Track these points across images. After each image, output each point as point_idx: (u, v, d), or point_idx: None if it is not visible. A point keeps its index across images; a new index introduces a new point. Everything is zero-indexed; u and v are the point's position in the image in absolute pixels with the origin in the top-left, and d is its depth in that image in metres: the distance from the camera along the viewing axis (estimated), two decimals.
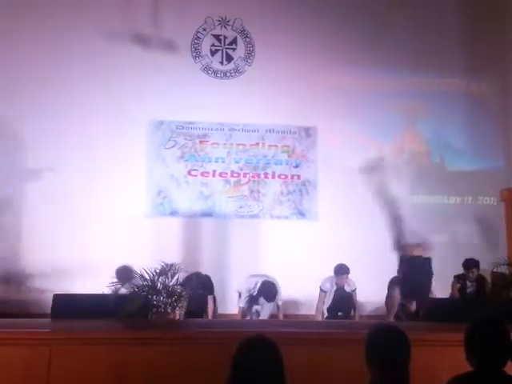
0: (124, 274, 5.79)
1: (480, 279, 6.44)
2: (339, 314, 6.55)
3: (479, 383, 2.39)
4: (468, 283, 6.43)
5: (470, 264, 6.41)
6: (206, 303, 6.36)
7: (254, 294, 6.38)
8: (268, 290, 6.29)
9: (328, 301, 6.58)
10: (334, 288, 6.57)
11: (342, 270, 6.48)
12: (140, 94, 7.57)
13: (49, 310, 4.67)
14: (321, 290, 6.61)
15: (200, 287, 6.12)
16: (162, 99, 7.63)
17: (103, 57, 7.61)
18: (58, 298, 4.71)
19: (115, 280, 5.36)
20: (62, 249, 6.99)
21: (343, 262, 6.48)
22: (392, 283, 6.45)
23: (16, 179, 7.35)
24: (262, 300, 6.37)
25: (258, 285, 6.37)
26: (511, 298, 5.41)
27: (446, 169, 8.28)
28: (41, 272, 7.06)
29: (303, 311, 7.12)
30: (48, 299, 4.87)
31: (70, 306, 4.51)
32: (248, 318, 6.41)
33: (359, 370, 2.49)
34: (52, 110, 7.46)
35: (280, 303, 6.55)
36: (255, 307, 6.41)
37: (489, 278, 6.64)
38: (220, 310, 6.64)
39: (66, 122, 7.45)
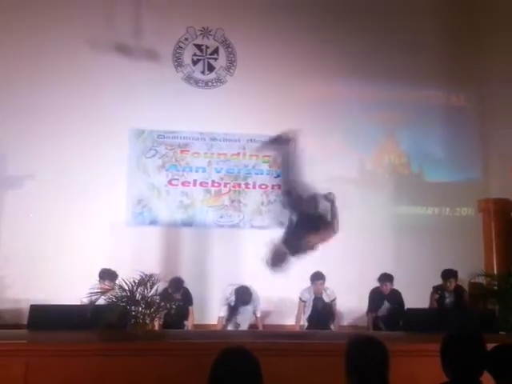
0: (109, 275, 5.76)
1: (458, 289, 6.48)
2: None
3: None
4: (446, 294, 6.47)
5: (448, 274, 6.45)
6: (186, 314, 6.35)
7: (232, 303, 6.36)
8: (242, 293, 6.29)
9: (308, 310, 6.59)
10: (313, 297, 6.60)
11: (317, 276, 6.54)
12: (121, 103, 7.53)
13: (25, 321, 4.61)
14: (300, 299, 6.63)
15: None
16: (143, 108, 7.61)
17: (85, 66, 7.56)
18: (35, 309, 4.65)
19: (96, 286, 5.31)
20: (40, 258, 6.92)
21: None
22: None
23: None
24: (241, 308, 6.35)
25: (233, 292, 6.38)
26: (488, 308, 5.47)
27: (425, 180, 8.36)
28: (17, 282, 6.98)
29: (283, 322, 7.10)
30: (24, 310, 4.81)
31: (46, 317, 4.46)
32: (229, 327, 6.38)
33: (337, 381, 2.49)
34: (32, 117, 7.40)
35: (259, 314, 6.54)
36: (236, 317, 6.39)
37: (466, 289, 6.71)
38: (200, 321, 6.60)
39: (46, 129, 7.40)
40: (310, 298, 6.64)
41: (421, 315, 5.44)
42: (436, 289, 6.54)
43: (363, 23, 8.21)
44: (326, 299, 6.60)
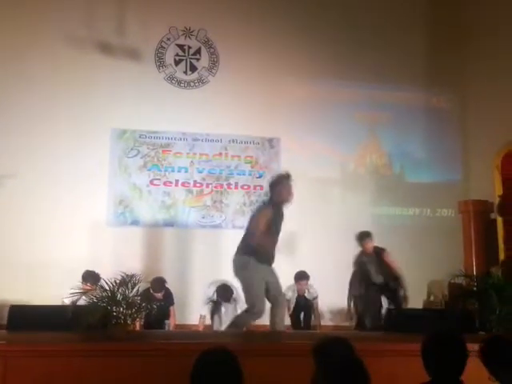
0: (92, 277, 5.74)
1: (376, 249, 6.53)
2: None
3: None
4: (365, 258, 6.51)
5: (362, 236, 6.53)
6: (168, 314, 6.33)
7: (214, 299, 6.37)
8: (223, 290, 6.28)
9: (290, 308, 6.63)
10: (296, 295, 6.64)
11: (301, 276, 6.64)
12: (103, 103, 7.50)
13: (5, 322, 4.55)
14: None
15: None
16: (125, 108, 7.58)
17: (67, 64, 7.52)
18: (15, 310, 4.60)
19: (78, 287, 5.28)
20: (21, 258, 6.83)
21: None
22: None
23: None
24: (223, 305, 6.35)
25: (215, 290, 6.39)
26: (467, 308, 5.52)
27: (405, 180, 8.44)
28: None
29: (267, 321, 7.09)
30: (4, 310, 4.75)
31: (27, 318, 4.41)
32: (212, 324, 6.36)
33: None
34: (13, 117, 7.33)
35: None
36: (219, 315, 6.38)
37: (446, 290, 6.77)
38: (181, 320, 6.59)
39: (27, 129, 7.34)
40: (292, 296, 6.69)
41: (401, 315, 5.48)
42: (357, 257, 6.59)
43: (344, 24, 8.27)
44: (308, 296, 6.73)
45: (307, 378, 3.33)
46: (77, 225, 7.18)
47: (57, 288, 5.52)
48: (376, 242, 7.02)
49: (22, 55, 7.45)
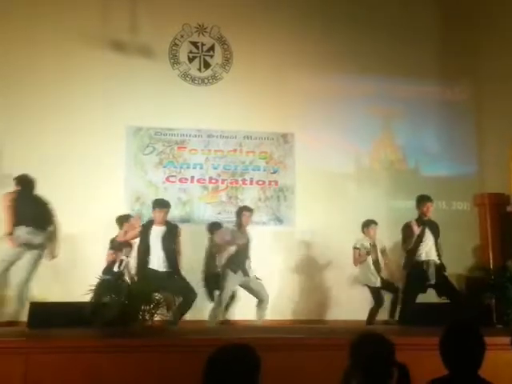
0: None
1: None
2: None
3: None
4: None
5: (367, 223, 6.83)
6: None
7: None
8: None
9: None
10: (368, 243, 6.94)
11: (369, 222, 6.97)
12: (118, 100, 7.54)
13: (25, 319, 4.62)
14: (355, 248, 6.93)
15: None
16: (140, 106, 7.62)
17: (80, 62, 7.56)
18: (35, 307, 4.67)
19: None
20: None
21: None
22: None
23: None
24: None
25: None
26: (485, 301, 5.50)
27: (421, 174, 8.39)
28: (17, 280, 6.98)
29: (279, 316, 7.10)
30: (25, 308, 4.82)
31: (46, 315, 4.48)
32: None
33: (335, 376, 2.51)
34: (28, 115, 7.39)
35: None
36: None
37: (463, 284, 6.73)
38: (197, 316, 6.60)
39: (42, 127, 7.39)
40: (365, 245, 6.89)
41: (417, 309, 5.47)
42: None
43: (358, 18, 8.22)
44: (379, 245, 6.92)
45: (327, 372, 3.35)
46: (94, 223, 7.22)
47: (75, 285, 5.58)
48: (392, 236, 7.03)
49: (36, 53, 7.51)
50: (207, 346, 2.87)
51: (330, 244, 7.47)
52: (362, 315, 6.84)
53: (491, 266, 7.05)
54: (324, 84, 8.20)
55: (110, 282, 5.56)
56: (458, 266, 6.56)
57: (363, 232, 6.91)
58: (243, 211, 6.67)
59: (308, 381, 3.59)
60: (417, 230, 6.29)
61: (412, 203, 7.95)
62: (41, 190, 7.15)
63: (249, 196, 7.91)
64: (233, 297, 6.69)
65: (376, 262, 6.82)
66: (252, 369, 2.21)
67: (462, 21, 8.50)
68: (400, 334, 4.39)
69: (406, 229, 6.41)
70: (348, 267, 7.11)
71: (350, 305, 7.18)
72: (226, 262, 6.42)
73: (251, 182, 7.97)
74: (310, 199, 7.80)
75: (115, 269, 6.04)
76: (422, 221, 6.39)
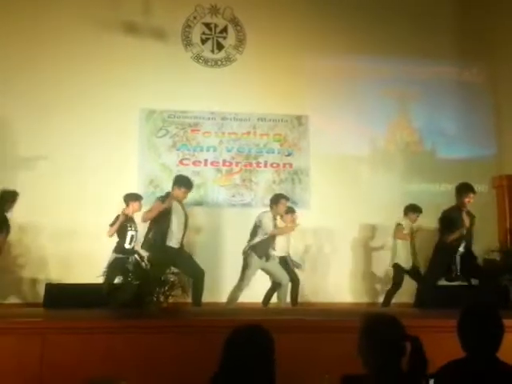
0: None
1: None
2: None
3: (473, 368, 2.40)
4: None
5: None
6: None
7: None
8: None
9: None
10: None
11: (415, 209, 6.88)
12: (131, 83, 7.51)
13: (41, 300, 4.65)
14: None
15: None
16: (153, 88, 7.58)
17: (93, 45, 7.55)
18: (51, 288, 4.70)
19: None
20: (53, 238, 6.97)
21: None
22: None
23: (8, 167, 7.28)
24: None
25: None
26: (503, 284, 5.45)
27: (437, 156, 8.30)
28: (33, 261, 7.04)
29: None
30: (41, 289, 4.85)
31: (62, 296, 4.51)
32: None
33: (350, 357, 2.49)
34: (42, 98, 7.41)
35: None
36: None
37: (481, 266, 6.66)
38: (212, 298, 6.61)
39: (56, 110, 7.41)
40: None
41: (434, 292, 5.43)
42: None
43: (378, 1, 8.10)
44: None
45: (339, 354, 3.33)
46: (108, 205, 7.23)
47: (90, 267, 5.59)
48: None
49: (47, 37, 7.50)
50: (222, 327, 2.86)
51: (345, 226, 7.43)
52: (371, 298, 6.86)
53: (509, 248, 6.98)
54: (339, 65, 8.10)
55: (124, 261, 5.61)
56: (476, 248, 6.47)
57: (405, 215, 6.83)
58: (280, 199, 6.47)
59: (322, 362, 3.56)
60: (467, 221, 5.88)
61: (427, 186, 7.93)
62: (55, 174, 7.21)
63: (263, 179, 7.87)
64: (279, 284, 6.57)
65: (413, 247, 6.78)
66: (266, 350, 2.20)
67: (479, 2, 8.35)
68: (418, 316, 4.35)
69: (452, 219, 5.89)
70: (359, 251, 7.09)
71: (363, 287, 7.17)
72: (255, 245, 6.29)
73: (265, 165, 7.93)
74: (325, 181, 7.75)
75: (126, 245, 6.05)
76: (467, 212, 5.99)
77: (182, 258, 5.86)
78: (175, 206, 5.99)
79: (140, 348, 3.58)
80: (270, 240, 6.35)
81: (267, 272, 6.44)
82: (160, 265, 4.27)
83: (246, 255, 6.30)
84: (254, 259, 6.22)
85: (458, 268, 5.79)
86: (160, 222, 5.89)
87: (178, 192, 6.02)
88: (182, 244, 6.05)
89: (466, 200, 5.90)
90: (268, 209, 6.42)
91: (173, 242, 5.91)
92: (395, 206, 7.23)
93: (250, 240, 6.36)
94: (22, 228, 7.05)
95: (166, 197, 5.99)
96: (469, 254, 5.88)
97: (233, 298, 6.29)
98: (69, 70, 7.49)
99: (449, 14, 8.37)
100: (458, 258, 5.83)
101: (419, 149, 8.31)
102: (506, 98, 8.23)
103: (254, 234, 6.34)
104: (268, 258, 6.32)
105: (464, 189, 5.96)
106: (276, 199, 6.45)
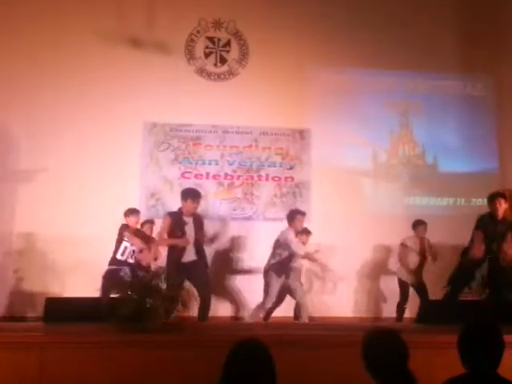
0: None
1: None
2: None
3: None
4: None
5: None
6: None
7: None
8: None
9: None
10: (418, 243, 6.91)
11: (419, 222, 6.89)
12: (134, 96, 7.54)
13: (41, 314, 4.63)
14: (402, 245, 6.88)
15: None
16: (155, 101, 7.61)
17: (97, 58, 7.59)
18: (51, 302, 4.67)
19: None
20: (54, 251, 6.95)
21: None
22: None
23: (8, 180, 7.29)
24: None
25: None
26: (508, 298, 5.42)
27: (439, 170, 8.29)
28: (33, 275, 7.02)
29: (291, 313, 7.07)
30: (40, 302, 4.83)
31: (62, 310, 4.48)
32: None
33: (351, 373, 2.48)
34: (45, 110, 7.44)
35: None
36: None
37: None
38: (214, 313, 6.58)
39: (58, 123, 7.43)
40: (413, 243, 6.83)
41: (436, 307, 5.40)
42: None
43: (378, 11, 8.14)
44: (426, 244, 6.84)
45: (340, 369, 3.31)
46: (109, 218, 7.22)
47: (90, 281, 5.58)
48: (408, 233, 6.97)
49: (51, 49, 7.53)
50: (223, 342, 2.84)
51: (346, 240, 7.40)
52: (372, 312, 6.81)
53: None
54: (341, 79, 8.13)
55: (116, 272, 5.64)
56: None
57: (413, 230, 6.87)
58: (295, 215, 6.46)
59: (324, 377, 3.54)
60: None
61: (428, 199, 7.90)
62: (57, 186, 7.22)
63: (264, 192, 7.87)
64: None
65: (419, 263, 6.81)
66: (270, 363, 2.19)
67: (483, 16, 8.37)
68: (420, 332, 4.32)
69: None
70: (364, 264, 7.05)
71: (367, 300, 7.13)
72: (275, 263, 6.36)
73: (267, 178, 7.93)
74: (326, 195, 7.75)
75: (118, 256, 6.09)
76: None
77: (198, 272, 5.84)
78: (186, 220, 5.96)
79: (140, 363, 3.56)
80: (291, 258, 6.36)
81: (286, 290, 6.48)
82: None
83: (265, 274, 6.37)
84: (274, 277, 6.29)
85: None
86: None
87: (185, 205, 5.99)
88: (202, 257, 6.00)
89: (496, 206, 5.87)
90: (286, 225, 6.46)
91: (186, 256, 5.87)
92: (397, 220, 7.22)
93: (271, 257, 6.41)
94: (23, 239, 7.06)
95: (175, 212, 6.02)
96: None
97: (254, 315, 6.38)
98: (71, 82, 7.52)
99: (453, 27, 8.39)
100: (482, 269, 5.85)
101: (421, 162, 8.31)
102: (508, 112, 8.24)
103: (275, 250, 6.39)
104: (287, 276, 6.36)
105: (490, 196, 6.05)
106: (291, 216, 6.45)
